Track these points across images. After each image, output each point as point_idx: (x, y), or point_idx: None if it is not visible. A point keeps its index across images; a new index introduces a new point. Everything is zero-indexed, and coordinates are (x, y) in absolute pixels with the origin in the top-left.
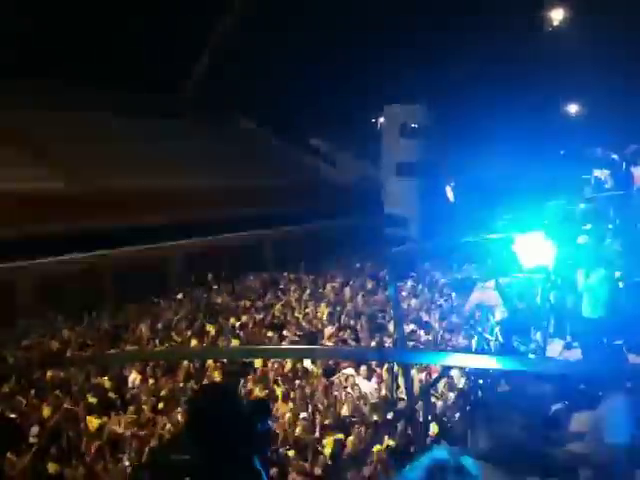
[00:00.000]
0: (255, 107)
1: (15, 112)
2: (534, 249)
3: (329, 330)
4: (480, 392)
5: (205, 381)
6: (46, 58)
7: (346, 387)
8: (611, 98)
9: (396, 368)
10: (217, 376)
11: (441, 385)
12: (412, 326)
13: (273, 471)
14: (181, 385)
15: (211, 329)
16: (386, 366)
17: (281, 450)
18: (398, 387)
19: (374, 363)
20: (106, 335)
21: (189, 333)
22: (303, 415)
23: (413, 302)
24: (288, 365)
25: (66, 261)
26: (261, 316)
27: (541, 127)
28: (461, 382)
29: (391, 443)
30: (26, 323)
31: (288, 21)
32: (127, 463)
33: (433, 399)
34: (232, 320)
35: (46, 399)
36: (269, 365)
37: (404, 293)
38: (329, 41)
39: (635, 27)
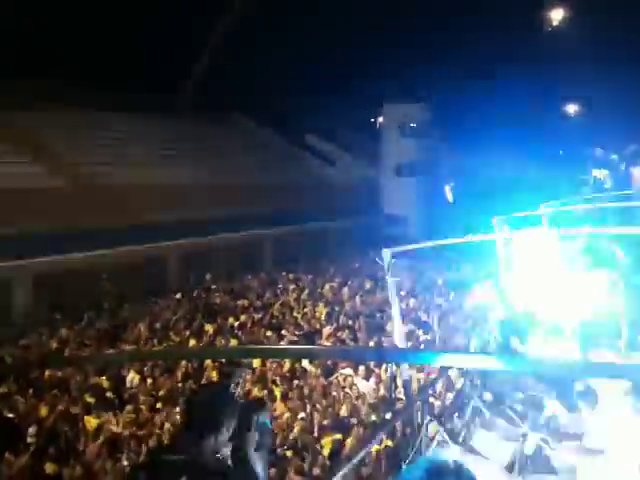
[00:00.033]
0: (255, 107)
1: (15, 112)
2: (532, 249)
3: (327, 330)
4: (479, 392)
5: (203, 381)
6: (46, 58)
7: (344, 387)
8: (610, 99)
9: (394, 368)
10: (215, 376)
11: (439, 385)
12: (411, 326)
13: (272, 471)
14: (179, 385)
15: (209, 329)
16: (384, 366)
17: (279, 450)
18: (396, 387)
19: (372, 363)
20: (104, 335)
21: (187, 333)
22: (301, 415)
23: (412, 302)
24: (286, 365)
25: (64, 260)
26: (259, 316)
27: (540, 127)
28: (459, 382)
29: (389, 443)
30: (24, 322)
31: (288, 21)
32: (125, 463)
33: (431, 399)
34: (230, 320)
35: (44, 399)
36: (267, 365)
37: (403, 293)
38: (329, 41)
39: (635, 28)
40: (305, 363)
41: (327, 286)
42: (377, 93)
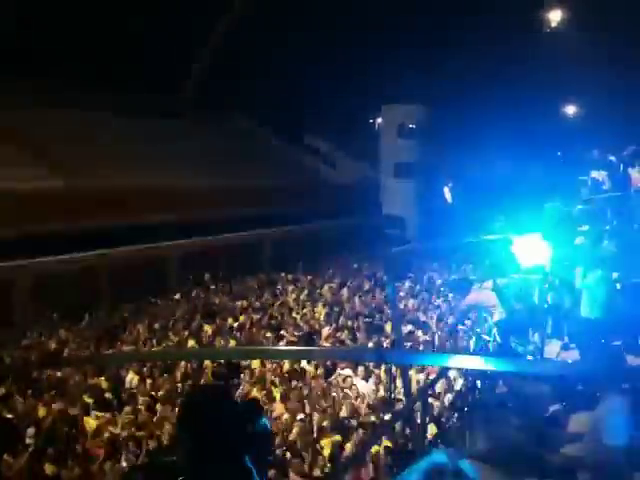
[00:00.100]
0: (255, 107)
1: (15, 112)
2: (531, 250)
3: (327, 331)
4: (478, 393)
5: (202, 382)
6: (46, 58)
7: (344, 388)
8: (609, 100)
9: (394, 369)
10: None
11: (439, 386)
12: (410, 327)
13: (271, 472)
14: (178, 385)
15: (208, 329)
16: (384, 367)
17: (278, 452)
18: (396, 388)
19: (372, 364)
20: (103, 335)
21: (186, 333)
22: (300, 416)
23: (411, 303)
24: (285, 366)
25: (64, 260)
26: (258, 316)
27: (539, 128)
28: (459, 383)
29: (389, 444)
30: (23, 323)
31: (288, 21)
32: (124, 464)
33: (431, 400)
34: (230, 320)
35: (43, 399)
36: (267, 366)
37: (402, 294)
38: (329, 41)
39: (635, 28)
40: (304, 364)
41: (326, 287)
42: (376, 94)
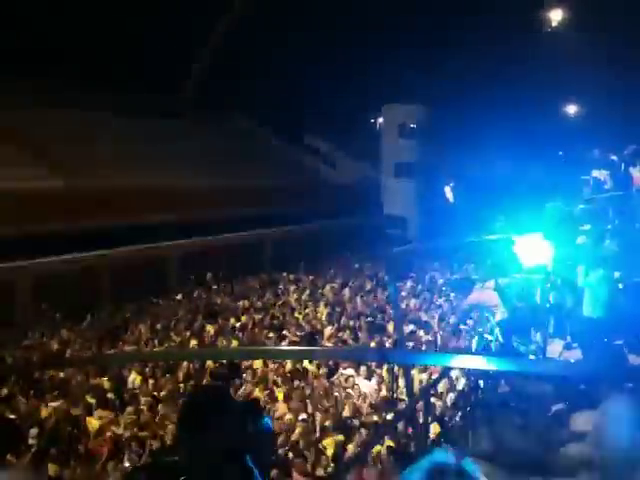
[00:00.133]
0: (255, 107)
1: (15, 112)
2: (533, 250)
3: (329, 330)
4: (480, 393)
5: (204, 382)
6: (46, 58)
7: (346, 388)
8: (610, 99)
9: (396, 369)
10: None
11: (441, 386)
12: (412, 326)
13: (274, 472)
14: (181, 386)
15: (210, 329)
16: (386, 367)
17: (281, 451)
18: (398, 388)
19: (374, 364)
20: (105, 335)
21: (188, 333)
22: (303, 416)
23: (412, 302)
24: (288, 366)
25: (65, 261)
26: (260, 316)
27: (540, 128)
28: (461, 383)
29: (391, 444)
30: (25, 323)
31: (288, 21)
32: (127, 464)
33: (433, 400)
34: (232, 320)
35: (45, 400)
36: (269, 366)
37: (403, 293)
38: (329, 41)
39: (635, 28)
40: (306, 364)
41: (328, 287)
42: (377, 93)
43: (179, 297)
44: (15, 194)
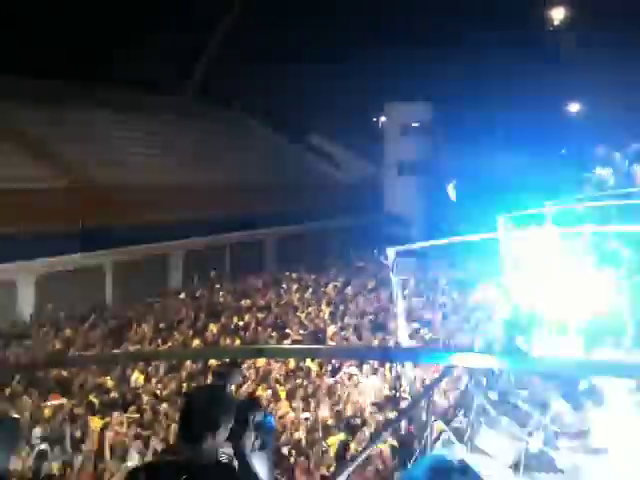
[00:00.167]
0: (256, 106)
1: (15, 112)
2: (536, 248)
3: (332, 329)
4: (483, 391)
5: (208, 381)
6: (46, 58)
7: (349, 386)
8: (614, 97)
9: (399, 367)
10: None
11: (444, 384)
12: (415, 325)
13: (276, 471)
14: (184, 385)
15: (213, 328)
16: (389, 365)
17: (284, 450)
18: (401, 386)
19: (377, 362)
20: (109, 335)
21: (191, 332)
22: (306, 415)
23: (416, 301)
24: (291, 364)
25: (67, 260)
26: (263, 315)
27: (543, 125)
28: (464, 381)
29: (394, 442)
30: (29, 323)
31: (288, 21)
32: (130, 463)
33: (436, 398)
34: (235, 319)
35: (49, 399)
36: (272, 364)
37: (406, 292)
38: (331, 40)
39: (636, 27)
40: (309, 362)
41: (330, 285)
42: (379, 92)
43: (182, 296)
44: (16, 194)
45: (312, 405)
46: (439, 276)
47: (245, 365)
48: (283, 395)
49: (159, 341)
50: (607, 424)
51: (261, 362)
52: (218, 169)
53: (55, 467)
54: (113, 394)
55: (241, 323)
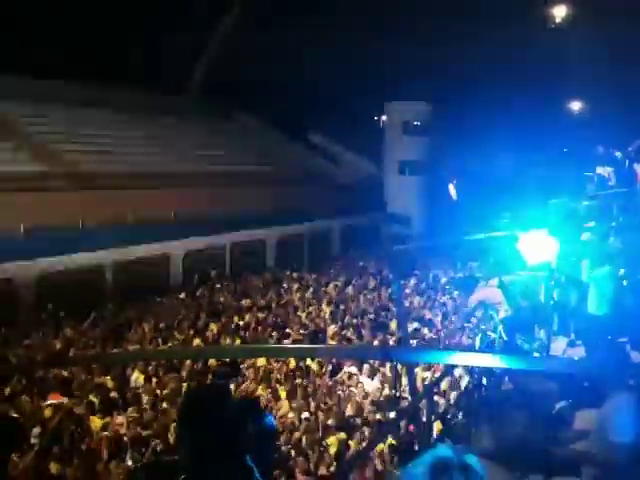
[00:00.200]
0: (257, 105)
1: (14, 111)
2: (538, 247)
3: (332, 329)
4: (484, 390)
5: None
6: (46, 58)
7: (349, 386)
8: (615, 95)
9: (399, 367)
10: None
11: (444, 383)
12: (415, 324)
13: (276, 471)
14: (184, 384)
15: (214, 328)
16: (389, 365)
17: (284, 450)
18: (401, 386)
19: (377, 362)
20: (109, 334)
21: (192, 332)
22: (306, 414)
23: (416, 300)
24: (291, 364)
25: (67, 259)
26: (263, 315)
27: (544, 124)
28: (465, 380)
29: (394, 442)
30: (28, 322)
31: (288, 21)
32: (130, 463)
33: (436, 397)
34: (235, 319)
35: (49, 399)
36: (272, 364)
37: (407, 291)
38: (331, 39)
39: (637, 25)
40: (310, 361)
41: (331, 285)
42: (380, 91)
43: (182, 296)
44: (15, 193)
45: (312, 405)
46: (440, 275)
47: (245, 365)
48: (283, 395)
49: (159, 341)
50: (608, 421)
51: (261, 362)
52: (218, 168)
53: (54, 467)
54: (113, 394)
55: (241, 323)
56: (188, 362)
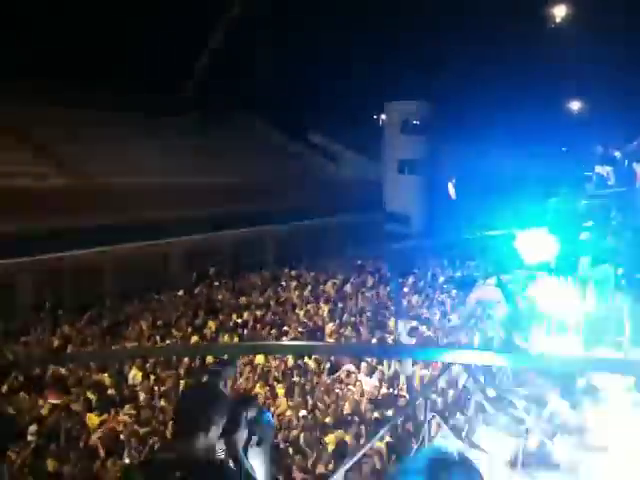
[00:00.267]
0: (256, 105)
1: (15, 112)
2: (536, 245)
3: (330, 327)
4: (481, 388)
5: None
6: (46, 58)
7: (347, 384)
8: (614, 96)
9: (397, 365)
10: None
11: (442, 381)
12: (413, 322)
13: (274, 469)
14: (182, 382)
15: (212, 325)
16: (387, 363)
17: (282, 447)
18: (399, 384)
19: (375, 360)
20: (106, 331)
21: (190, 329)
22: (304, 412)
23: (414, 299)
24: (290, 361)
25: (66, 258)
26: (262, 313)
27: (544, 124)
28: (462, 378)
29: (391, 440)
30: (26, 320)
31: (288, 20)
32: (127, 460)
33: (434, 395)
34: (233, 317)
35: (46, 396)
36: (270, 362)
37: (405, 289)
38: (331, 38)
39: (636, 25)
40: (308, 359)
41: (329, 283)
42: (380, 90)
43: (180, 293)
44: (16, 193)
45: (310, 403)
46: (439, 274)
47: (243, 362)
48: (281, 392)
49: (157, 338)
50: (604, 421)
51: (259, 359)
52: (218, 167)
53: (51, 464)
54: (110, 391)
55: (240, 320)
56: (186, 360)
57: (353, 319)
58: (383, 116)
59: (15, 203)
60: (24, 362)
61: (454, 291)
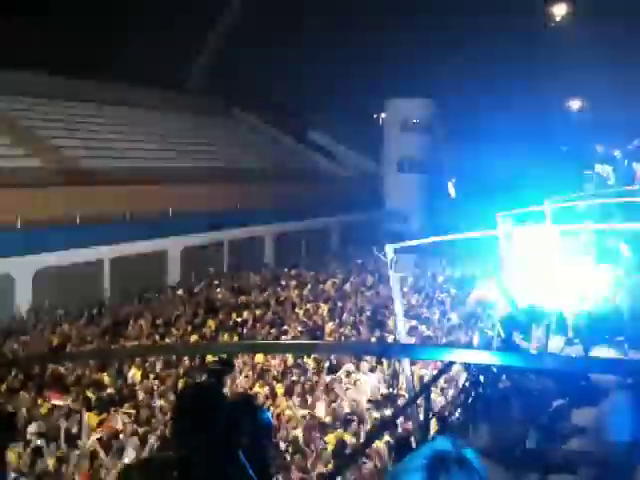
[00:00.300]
0: (256, 103)
1: (14, 106)
2: (535, 245)
3: (330, 326)
4: (481, 388)
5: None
6: (46, 54)
7: (347, 383)
8: (613, 94)
9: (397, 364)
10: None
11: (442, 381)
12: (413, 322)
13: (273, 468)
14: (181, 381)
15: (211, 324)
16: (387, 362)
17: (282, 446)
18: (398, 383)
19: (375, 359)
20: (106, 330)
21: (189, 328)
22: (303, 412)
23: (414, 298)
24: (289, 361)
25: (65, 256)
26: (262, 312)
27: (543, 123)
28: (462, 378)
29: (391, 439)
30: (26, 318)
31: (288, 19)
32: (126, 459)
33: (434, 395)
34: (233, 316)
35: (46, 395)
36: (270, 361)
37: (405, 289)
38: (331, 37)
39: (636, 24)
40: (307, 359)
41: (329, 282)
42: (380, 89)
43: (180, 292)
44: (14, 188)
45: (309, 402)
46: (438, 273)
47: (242, 361)
48: (281, 392)
49: (157, 337)
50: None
51: (259, 358)
52: (217, 166)
53: (51, 463)
54: (110, 390)
55: (239, 319)
56: (186, 358)
57: (353, 318)
58: (383, 114)
59: (13, 199)
60: (24, 361)
61: (454, 290)
